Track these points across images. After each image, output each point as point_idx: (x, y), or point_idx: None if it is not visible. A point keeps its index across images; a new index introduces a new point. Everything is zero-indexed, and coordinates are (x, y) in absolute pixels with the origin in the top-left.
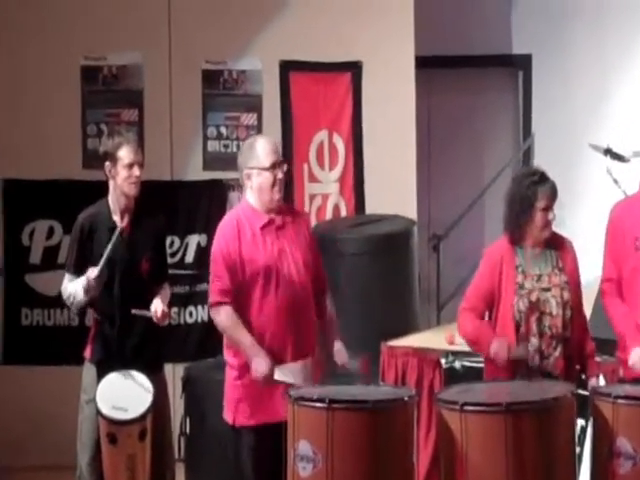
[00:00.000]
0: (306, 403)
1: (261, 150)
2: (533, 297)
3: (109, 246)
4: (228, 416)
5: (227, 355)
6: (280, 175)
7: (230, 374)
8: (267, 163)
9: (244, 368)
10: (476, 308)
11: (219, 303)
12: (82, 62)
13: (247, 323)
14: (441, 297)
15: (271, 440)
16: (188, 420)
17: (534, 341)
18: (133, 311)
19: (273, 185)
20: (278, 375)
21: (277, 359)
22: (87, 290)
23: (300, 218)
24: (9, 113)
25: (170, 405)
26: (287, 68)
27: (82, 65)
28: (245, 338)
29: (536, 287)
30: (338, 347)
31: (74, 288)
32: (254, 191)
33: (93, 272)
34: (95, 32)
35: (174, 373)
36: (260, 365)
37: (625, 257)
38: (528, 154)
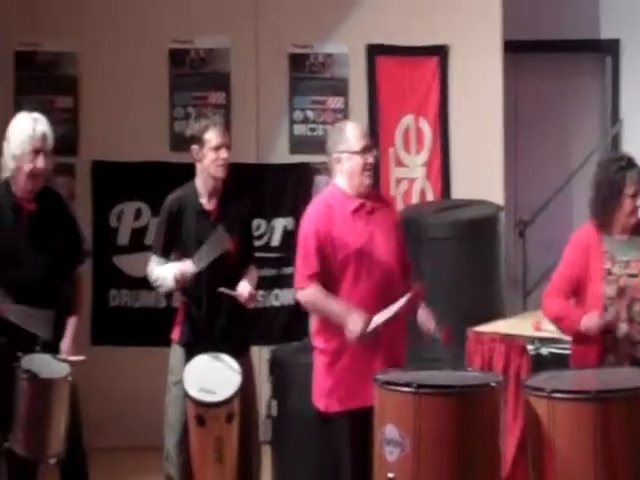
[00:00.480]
0: (393, 387)
1: (351, 134)
2: (621, 283)
3: (211, 250)
4: (320, 403)
5: (317, 342)
6: (370, 159)
7: (320, 361)
8: (358, 147)
9: (335, 354)
10: (562, 293)
11: (305, 286)
12: (170, 45)
13: None
14: (527, 283)
15: (365, 425)
16: (274, 403)
17: (623, 327)
18: (220, 289)
19: (364, 169)
20: (374, 323)
21: (368, 344)
22: (179, 281)
23: (388, 204)
24: (99, 96)
25: (256, 387)
26: (374, 52)
27: (170, 48)
28: (335, 305)
29: (624, 273)
30: (423, 314)
31: (163, 274)
32: (344, 175)
33: (190, 268)
34: (183, 15)
35: (260, 356)
36: (356, 323)
37: None
38: (616, 140)
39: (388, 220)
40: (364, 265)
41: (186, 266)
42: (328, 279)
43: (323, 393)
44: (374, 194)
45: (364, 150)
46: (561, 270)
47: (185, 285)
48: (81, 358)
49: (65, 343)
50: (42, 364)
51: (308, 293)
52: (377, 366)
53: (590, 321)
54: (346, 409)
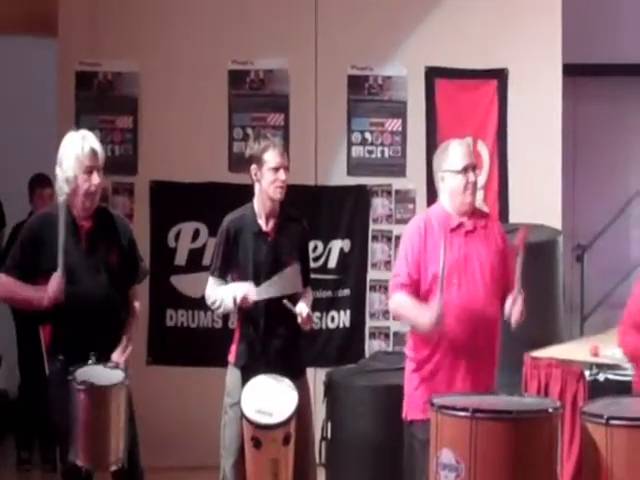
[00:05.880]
0: (449, 412)
1: (454, 153)
2: None
3: (280, 286)
4: (404, 410)
5: (407, 348)
6: (472, 178)
7: (408, 367)
8: (459, 166)
9: (422, 362)
10: (637, 327)
11: (392, 295)
12: (230, 66)
13: None
14: (585, 308)
15: None
16: (329, 425)
17: None
18: (284, 301)
19: (465, 188)
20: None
21: (451, 357)
22: (239, 305)
23: (492, 222)
24: (158, 116)
25: (312, 409)
26: (432, 74)
27: (229, 69)
28: (413, 310)
29: None
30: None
31: (221, 296)
32: (447, 194)
33: (253, 295)
34: (243, 37)
35: (315, 378)
36: (424, 317)
37: None
38: None
39: (490, 239)
40: (453, 284)
41: (248, 291)
42: (419, 294)
43: (407, 400)
44: (479, 213)
45: (465, 169)
46: (636, 300)
47: (246, 308)
48: (129, 349)
49: (116, 354)
50: (96, 374)
51: (394, 300)
52: (460, 379)
53: None
54: (425, 418)
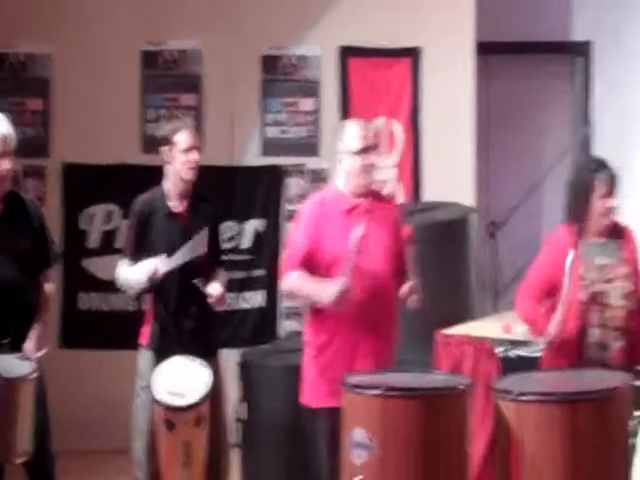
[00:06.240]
0: (361, 390)
1: (350, 134)
2: (595, 288)
3: (185, 252)
4: (303, 397)
5: (306, 334)
6: (369, 160)
7: (308, 353)
8: (356, 148)
9: (322, 348)
10: (534, 295)
11: (286, 274)
12: (142, 47)
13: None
14: (498, 285)
15: None
16: (244, 405)
17: (595, 332)
18: (195, 281)
19: (361, 170)
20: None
21: (351, 340)
22: (151, 280)
23: (389, 204)
24: (70, 97)
25: (226, 390)
26: (346, 54)
27: (142, 50)
28: (312, 282)
29: (599, 278)
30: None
31: (134, 274)
32: (343, 175)
33: (163, 268)
34: (155, 17)
35: (229, 358)
36: (328, 290)
37: None
38: (586, 142)
39: (387, 221)
40: (351, 263)
41: (156, 264)
42: (317, 275)
43: (307, 387)
44: (376, 194)
45: (363, 151)
46: (535, 273)
47: (156, 282)
48: (44, 351)
49: (28, 345)
50: (4, 364)
51: (289, 278)
52: (362, 358)
53: (554, 327)
54: (330, 405)
